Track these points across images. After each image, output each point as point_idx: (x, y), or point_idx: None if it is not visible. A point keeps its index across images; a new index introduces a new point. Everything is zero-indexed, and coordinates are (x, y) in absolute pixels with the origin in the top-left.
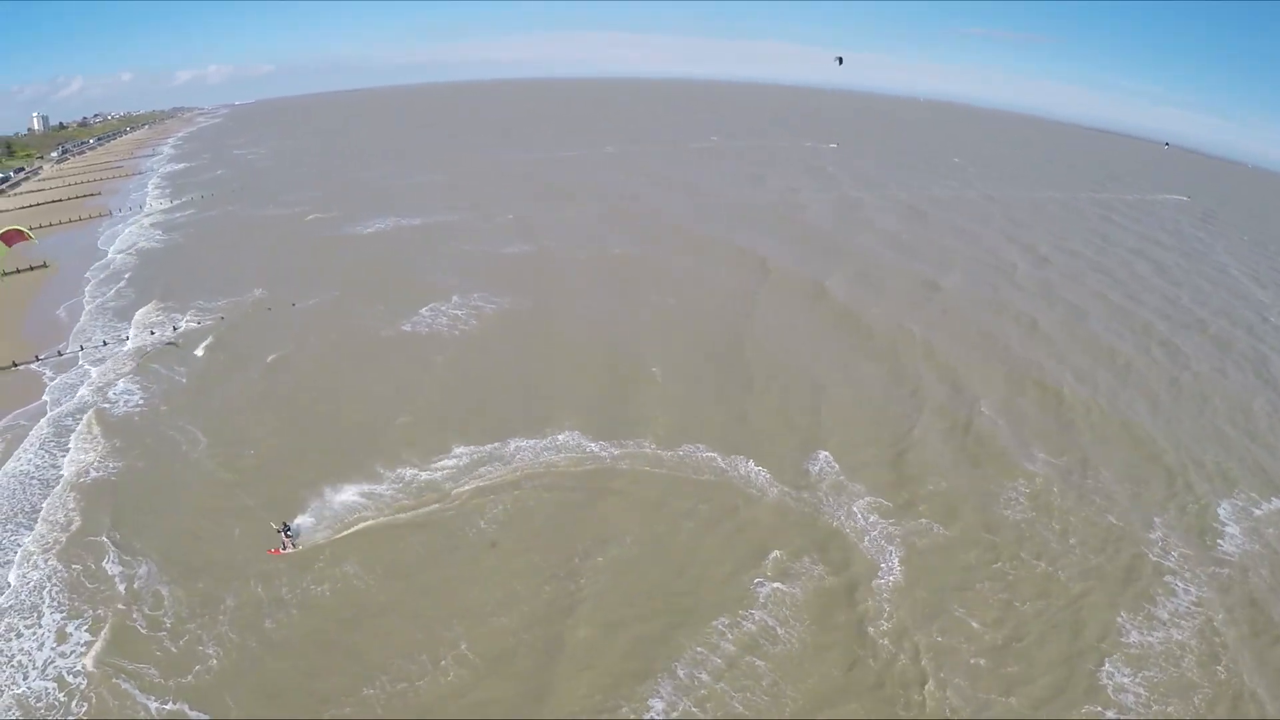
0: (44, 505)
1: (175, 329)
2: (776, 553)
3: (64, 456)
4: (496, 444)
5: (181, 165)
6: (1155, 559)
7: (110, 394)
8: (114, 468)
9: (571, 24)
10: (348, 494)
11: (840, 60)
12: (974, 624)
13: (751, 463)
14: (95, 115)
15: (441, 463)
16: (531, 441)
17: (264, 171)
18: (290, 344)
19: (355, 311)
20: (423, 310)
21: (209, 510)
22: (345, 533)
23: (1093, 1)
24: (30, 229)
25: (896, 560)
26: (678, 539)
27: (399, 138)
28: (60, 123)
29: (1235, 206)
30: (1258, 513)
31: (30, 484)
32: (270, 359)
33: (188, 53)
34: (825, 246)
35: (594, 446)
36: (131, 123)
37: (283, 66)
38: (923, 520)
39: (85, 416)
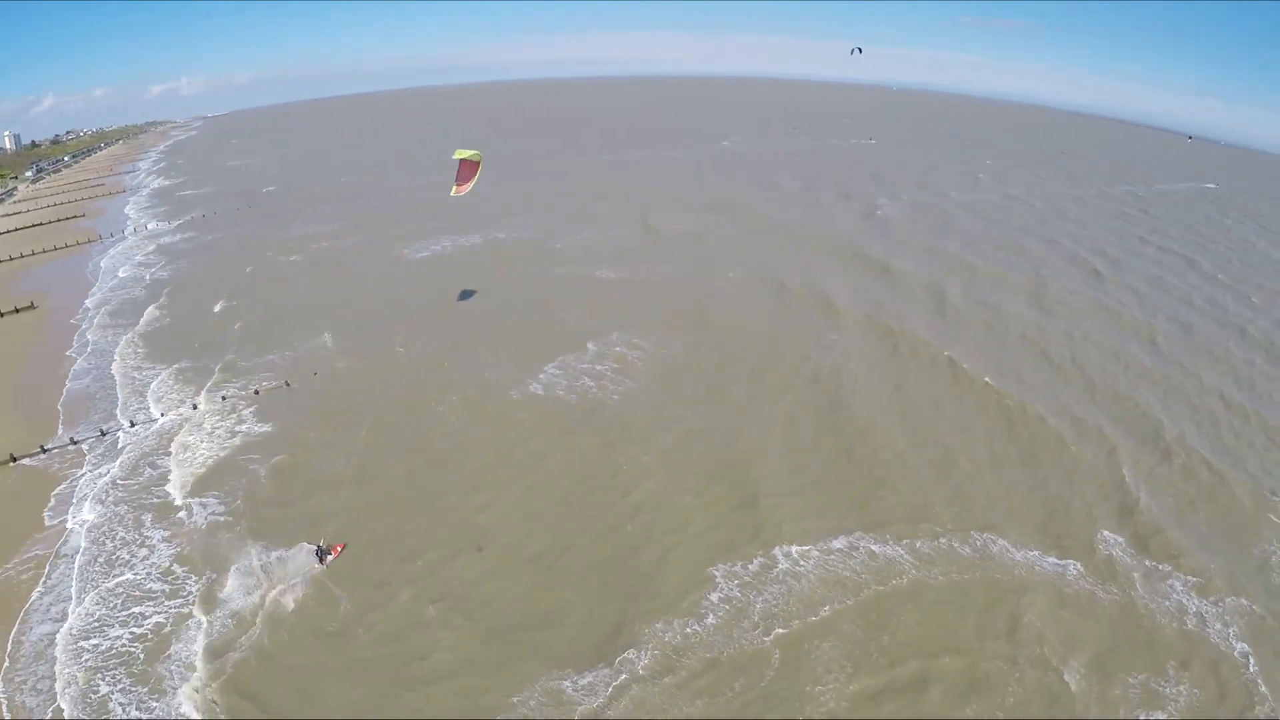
0: None
1: (223, 397)
2: None
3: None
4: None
5: (169, 181)
6: None
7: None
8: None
9: (558, 25)
10: None
11: (858, 50)
12: None
13: None
14: (68, 132)
15: None
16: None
17: (267, 185)
18: (395, 431)
19: (460, 369)
20: (549, 367)
21: None
22: None
23: None
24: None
25: None
26: None
27: (401, 143)
28: (33, 141)
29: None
30: None
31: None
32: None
33: (159, 64)
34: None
35: None
36: (105, 138)
37: (257, 76)
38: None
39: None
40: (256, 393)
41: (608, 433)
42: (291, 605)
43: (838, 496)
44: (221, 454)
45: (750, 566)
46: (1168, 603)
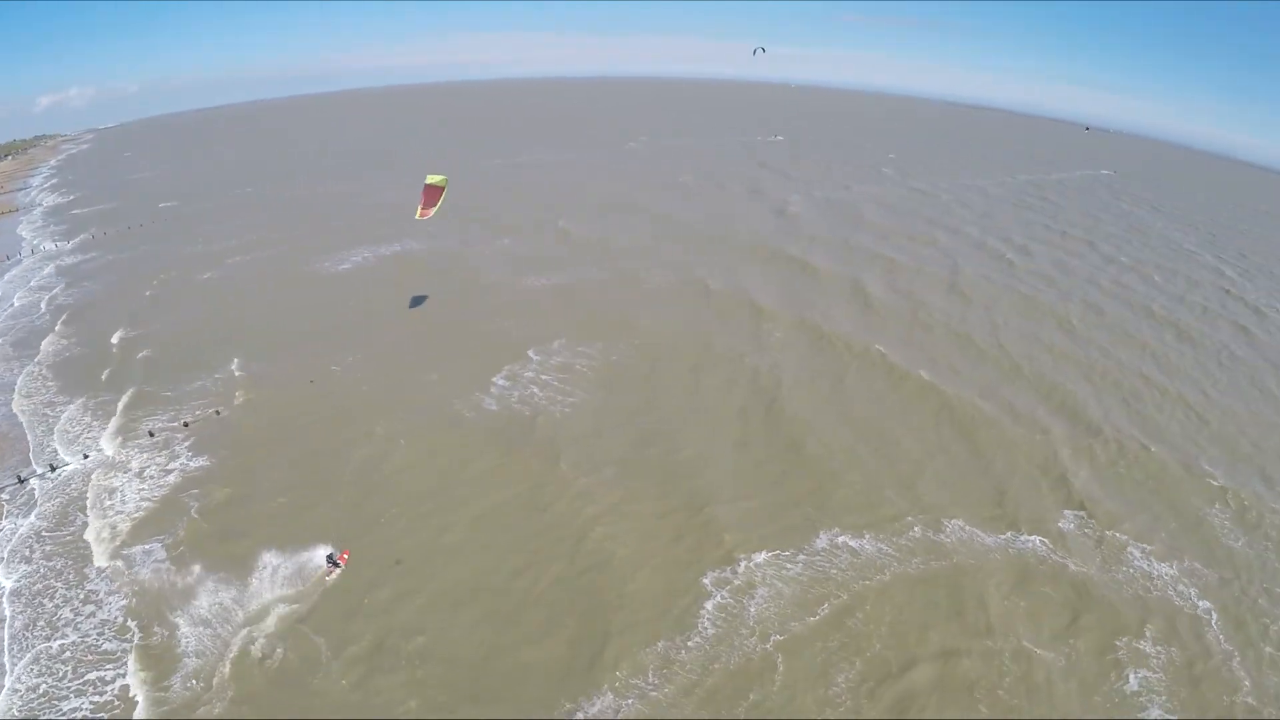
0: None
1: (151, 434)
2: None
3: None
4: None
5: (64, 198)
6: None
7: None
8: None
9: (454, 26)
10: None
11: (761, 50)
12: None
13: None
14: None
15: None
16: None
17: (168, 200)
18: (336, 472)
19: (401, 385)
20: (498, 379)
21: None
22: None
23: None
24: None
25: None
26: None
27: (300, 152)
28: None
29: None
30: None
31: None
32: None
33: (46, 74)
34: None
35: None
36: None
37: (148, 85)
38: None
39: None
40: (186, 425)
41: (559, 446)
42: (258, 652)
43: (798, 494)
44: (157, 493)
45: (734, 570)
46: (1131, 570)
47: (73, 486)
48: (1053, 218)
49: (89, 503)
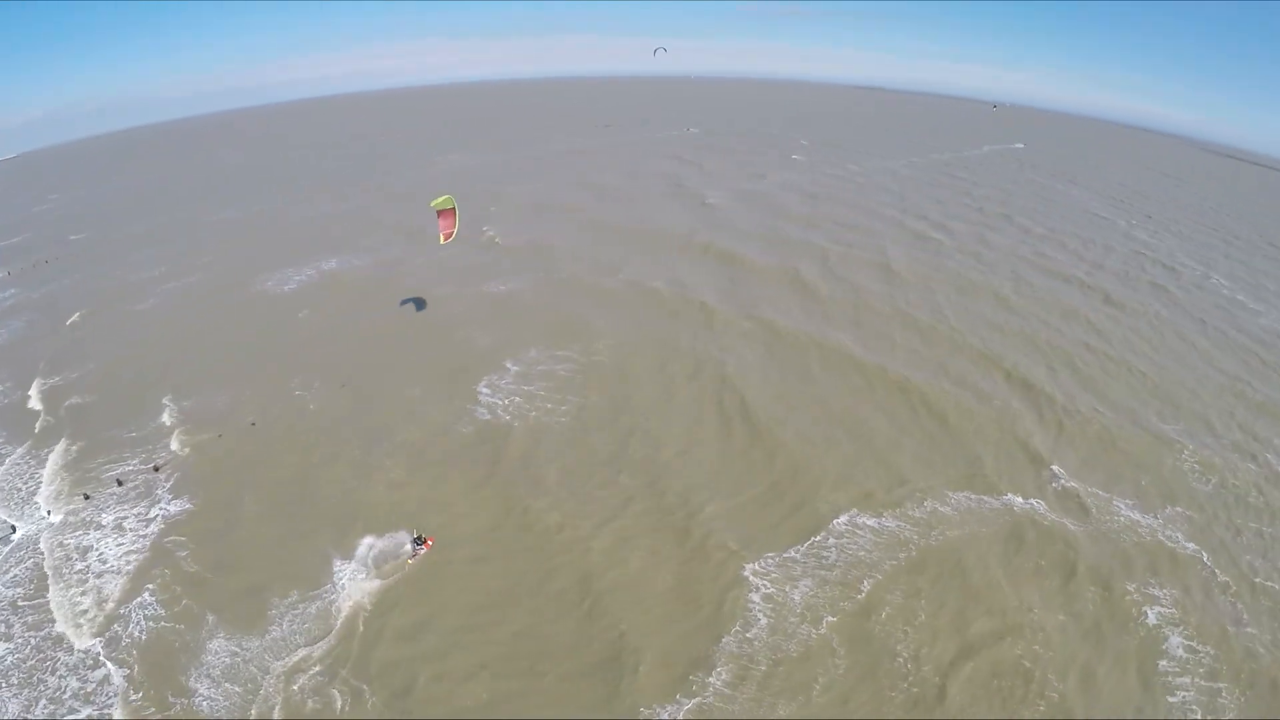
0: None
1: (119, 482)
2: None
3: None
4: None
5: None
6: None
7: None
8: None
9: (369, 35)
10: None
11: (662, 50)
12: None
13: None
14: None
15: None
16: None
17: (87, 227)
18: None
19: (377, 403)
20: (481, 388)
21: None
22: None
23: None
24: None
25: None
26: None
27: (215, 173)
28: None
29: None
30: None
31: None
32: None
33: None
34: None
35: None
36: None
37: (46, 112)
38: None
39: None
40: (156, 469)
41: (543, 456)
42: (305, 703)
43: (793, 484)
44: (139, 544)
45: (777, 561)
46: (1122, 520)
47: (39, 548)
48: (968, 194)
49: (61, 564)
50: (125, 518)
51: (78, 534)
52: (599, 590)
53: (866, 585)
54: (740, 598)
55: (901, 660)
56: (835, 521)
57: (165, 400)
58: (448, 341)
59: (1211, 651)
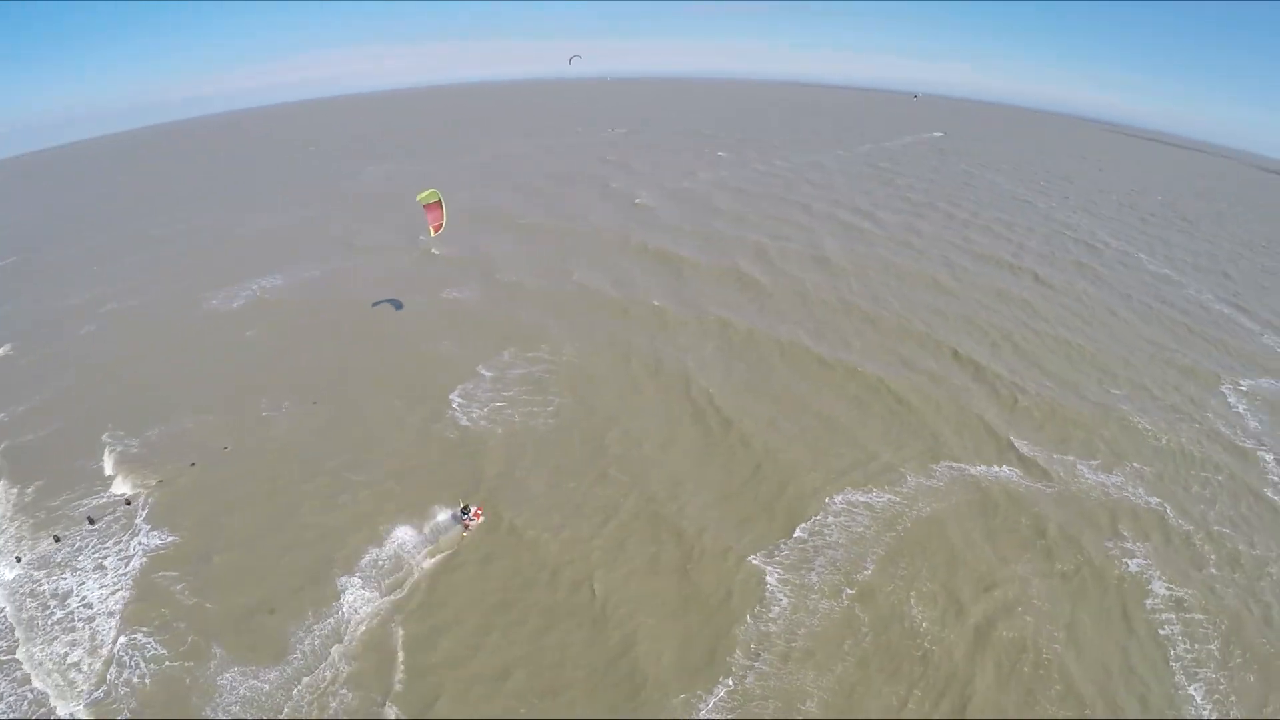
0: None
1: (56, 538)
2: None
3: None
4: None
5: None
6: None
7: None
8: None
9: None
10: None
11: (578, 57)
12: None
13: None
14: None
15: None
16: None
17: (14, 249)
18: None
19: (352, 418)
20: (453, 396)
21: None
22: None
23: None
24: None
25: None
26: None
27: (139, 190)
28: None
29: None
30: None
31: None
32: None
33: None
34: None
35: None
36: None
37: None
38: None
39: None
40: (128, 503)
41: (521, 464)
42: None
43: (790, 469)
44: (124, 582)
45: (783, 545)
46: (1088, 481)
47: (9, 598)
48: (893, 184)
49: (37, 616)
50: (105, 556)
51: (54, 579)
52: (607, 589)
53: (870, 561)
54: (753, 583)
55: (915, 622)
56: (829, 501)
57: (122, 432)
58: (413, 352)
59: (1188, 592)
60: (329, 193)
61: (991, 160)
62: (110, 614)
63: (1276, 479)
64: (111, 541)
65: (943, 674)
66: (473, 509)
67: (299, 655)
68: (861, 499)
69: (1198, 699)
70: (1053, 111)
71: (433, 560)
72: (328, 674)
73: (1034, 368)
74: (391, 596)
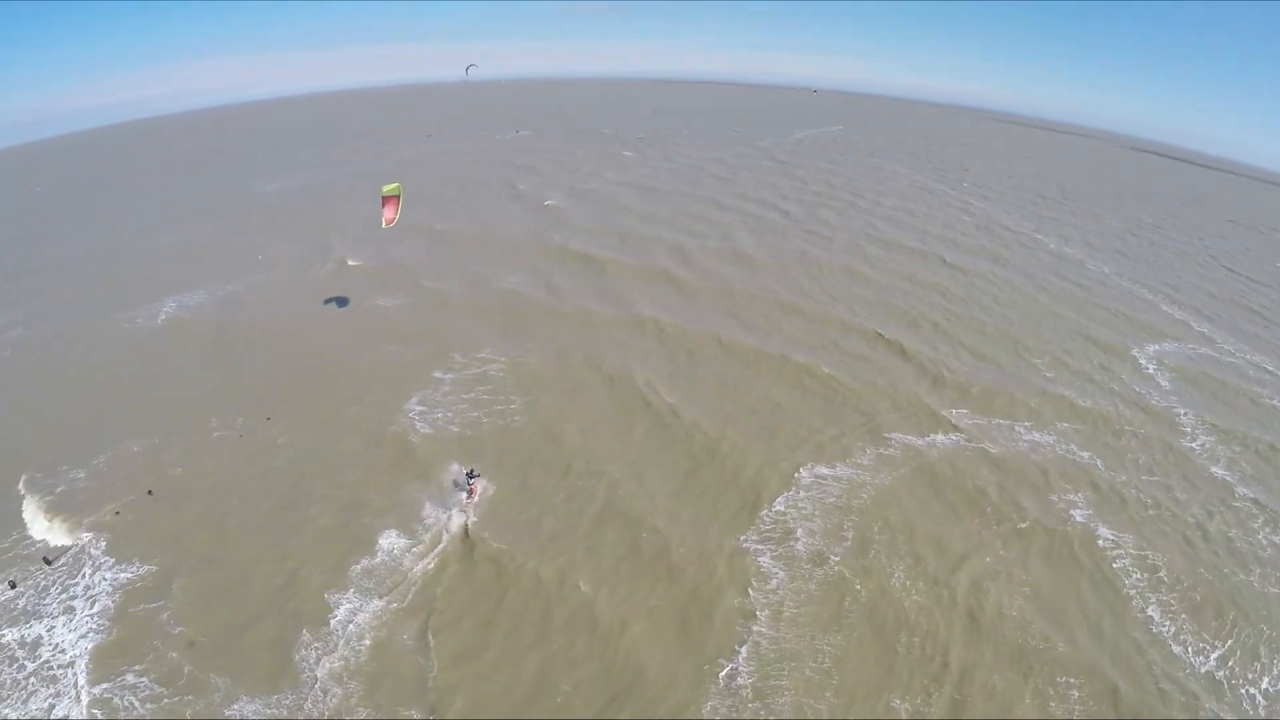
0: None
1: (12, 584)
2: None
3: None
4: None
5: None
6: None
7: None
8: None
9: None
10: None
11: (473, 66)
12: None
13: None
14: None
15: None
16: None
17: None
18: None
19: (317, 428)
20: (413, 403)
21: None
22: None
23: None
24: None
25: None
26: None
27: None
28: None
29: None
30: None
31: None
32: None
33: None
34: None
35: None
36: None
37: None
38: None
39: None
40: (46, 560)
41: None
42: None
43: (751, 453)
44: (100, 621)
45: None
46: (1025, 442)
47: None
48: (795, 177)
49: (5, 668)
50: (71, 596)
51: (16, 627)
52: (597, 577)
53: (848, 527)
54: (746, 559)
55: (904, 579)
56: (797, 475)
57: (66, 465)
58: (356, 362)
59: (1130, 537)
60: (232, 206)
61: (889, 150)
62: (92, 656)
63: (1189, 431)
64: (78, 579)
65: (934, 621)
66: (474, 479)
67: (307, 673)
68: (827, 472)
69: (1156, 618)
70: (940, 103)
71: (424, 562)
72: (340, 691)
73: (957, 346)
74: (390, 604)
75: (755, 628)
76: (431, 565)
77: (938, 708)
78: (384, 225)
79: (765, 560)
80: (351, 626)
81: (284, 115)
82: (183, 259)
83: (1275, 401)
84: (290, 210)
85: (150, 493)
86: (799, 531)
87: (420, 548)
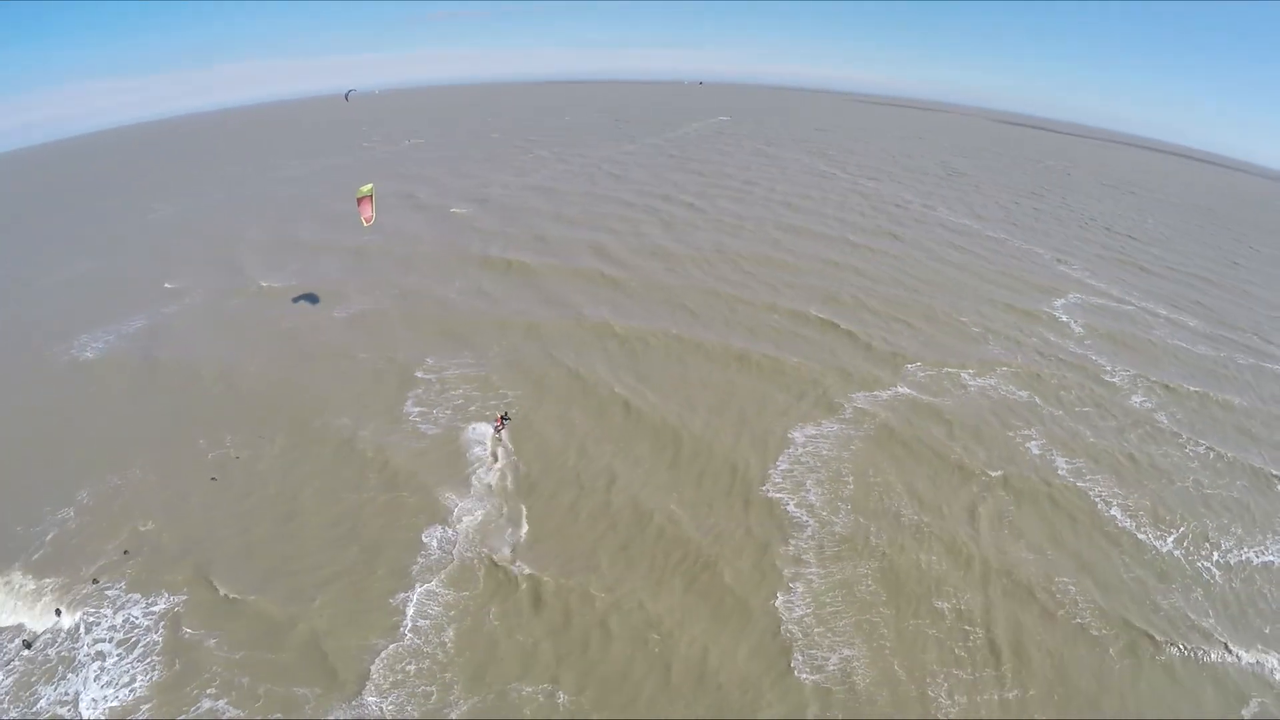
0: None
1: (27, 645)
2: None
3: None
4: None
5: None
6: None
7: None
8: None
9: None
10: None
11: (349, 94)
12: None
13: None
14: None
15: None
16: None
17: None
18: None
19: (309, 438)
20: (410, 407)
21: None
22: None
23: None
24: None
25: None
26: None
27: None
28: None
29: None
30: None
31: None
32: None
33: None
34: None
35: None
36: None
37: None
38: None
39: None
40: (95, 581)
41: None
42: None
43: (729, 430)
44: (146, 659)
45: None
46: (971, 389)
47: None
48: (696, 170)
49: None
50: (99, 640)
51: (50, 684)
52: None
53: (847, 473)
54: (776, 510)
55: (910, 515)
56: (791, 436)
57: (71, 492)
58: (309, 388)
59: (1081, 460)
60: (128, 232)
61: (776, 138)
62: (151, 700)
63: (1108, 368)
64: (100, 617)
65: (943, 541)
66: (497, 423)
67: (386, 683)
68: (814, 431)
69: (1119, 517)
70: (808, 88)
71: (477, 550)
72: (424, 690)
73: (886, 319)
74: (462, 591)
75: (804, 570)
76: (484, 554)
77: (971, 603)
78: (364, 224)
79: (791, 508)
80: (424, 618)
81: (153, 141)
82: (88, 292)
83: (1172, 340)
84: (188, 234)
85: (148, 526)
86: (808, 481)
87: (468, 538)
